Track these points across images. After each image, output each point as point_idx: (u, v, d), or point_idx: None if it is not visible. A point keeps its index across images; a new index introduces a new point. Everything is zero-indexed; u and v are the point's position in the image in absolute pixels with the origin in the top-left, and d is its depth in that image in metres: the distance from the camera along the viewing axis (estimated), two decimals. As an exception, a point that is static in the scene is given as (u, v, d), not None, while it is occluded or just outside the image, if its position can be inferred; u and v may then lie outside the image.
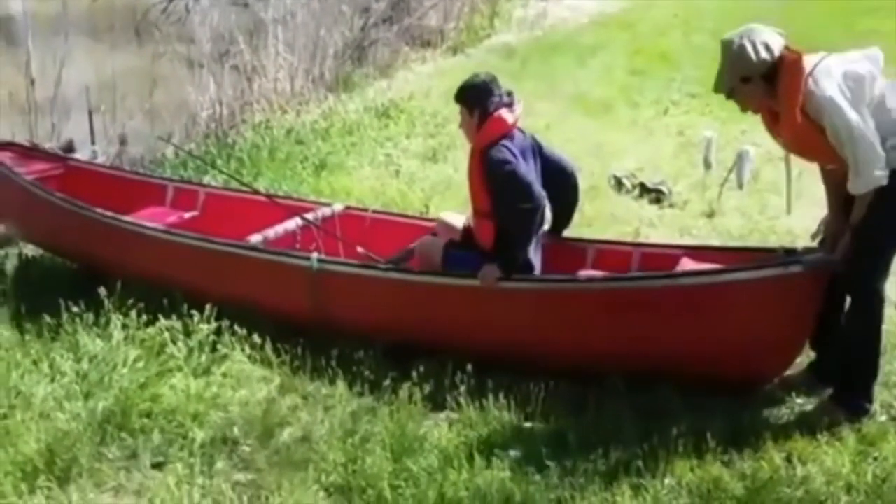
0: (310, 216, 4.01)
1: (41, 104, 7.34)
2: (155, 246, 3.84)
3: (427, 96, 7.48)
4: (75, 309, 3.87)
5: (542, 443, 3.16)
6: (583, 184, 5.75)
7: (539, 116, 7.08)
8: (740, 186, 5.37)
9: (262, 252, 3.69)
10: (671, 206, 5.51)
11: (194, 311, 3.84)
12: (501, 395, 3.41)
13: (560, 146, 6.48)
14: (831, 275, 3.10)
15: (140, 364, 3.57)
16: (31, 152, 4.58)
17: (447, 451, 3.08)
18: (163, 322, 3.82)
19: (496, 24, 10.27)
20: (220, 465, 3.07)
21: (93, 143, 7.22)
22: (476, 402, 3.37)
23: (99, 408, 3.31)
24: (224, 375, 3.59)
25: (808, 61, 3.05)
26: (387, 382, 3.50)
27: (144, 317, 3.85)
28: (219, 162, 6.19)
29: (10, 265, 4.74)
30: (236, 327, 3.75)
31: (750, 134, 6.08)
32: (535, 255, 3.51)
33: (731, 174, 5.31)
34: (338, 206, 4.32)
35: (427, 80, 8.08)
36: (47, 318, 3.88)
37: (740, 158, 5.31)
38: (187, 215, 4.21)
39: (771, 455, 3.03)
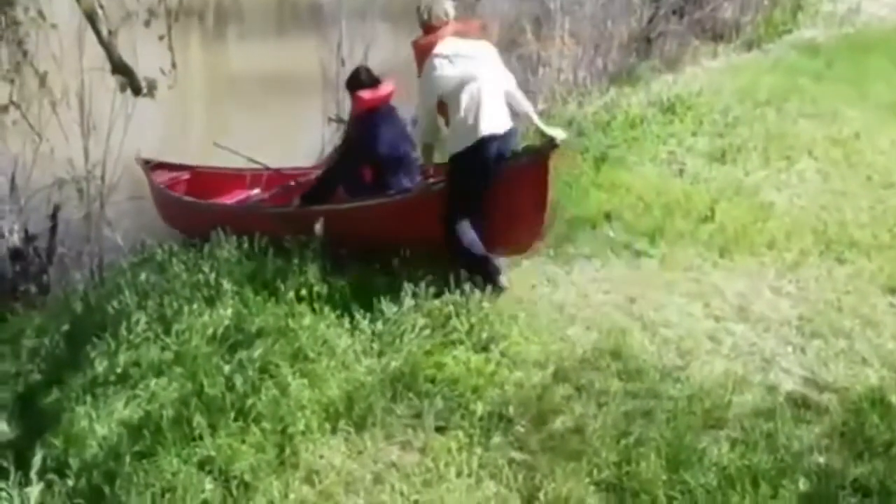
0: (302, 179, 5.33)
1: (349, 83, 8.07)
2: (220, 214, 5.33)
3: (717, 93, 7.09)
4: (372, 273, 4.22)
5: (835, 482, 2.90)
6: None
7: (846, 123, 6.43)
8: None
9: (257, 209, 5.27)
10: None
11: (476, 289, 4.04)
12: (791, 426, 3.19)
13: (870, 158, 5.94)
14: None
15: (426, 332, 3.82)
16: (171, 166, 6.30)
17: (728, 471, 2.93)
18: (448, 295, 4.05)
19: (799, 19, 9.44)
20: (496, 439, 3.19)
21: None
22: (762, 425, 3.18)
23: (391, 366, 3.59)
24: (502, 354, 3.72)
25: (441, 45, 4.07)
26: (665, 387, 3.42)
27: (432, 288, 4.11)
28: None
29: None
30: (518, 308, 3.88)
31: None
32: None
33: None
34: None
35: (718, 76, 7.65)
36: (349, 277, 4.27)
37: None
38: (254, 192, 5.77)
39: None
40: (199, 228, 4.97)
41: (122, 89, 5.49)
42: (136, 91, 5.52)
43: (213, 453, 3.06)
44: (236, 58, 12.47)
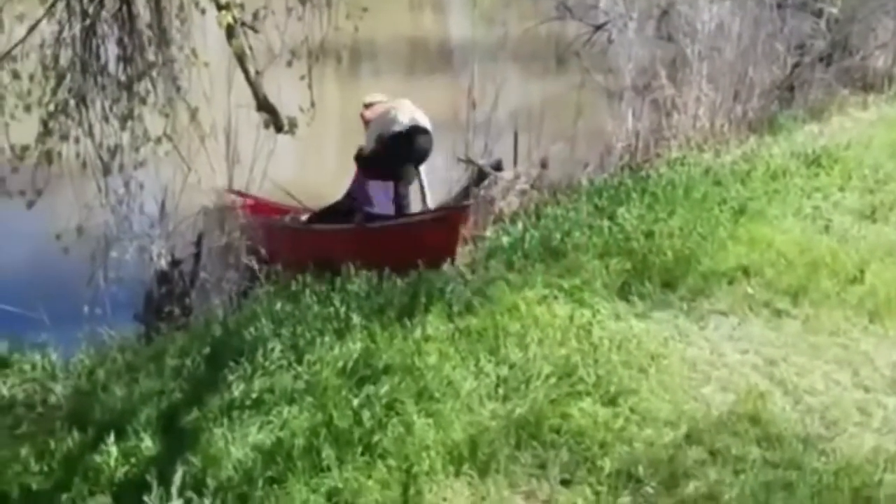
0: None
1: (478, 125, 8.20)
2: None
3: (867, 146, 6.71)
4: (498, 316, 4.20)
5: None
6: None
7: None
8: None
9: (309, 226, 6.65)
10: None
11: (604, 337, 3.95)
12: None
13: None
14: None
15: (552, 380, 3.75)
16: (242, 193, 7.19)
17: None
18: (573, 344, 3.98)
19: (959, 69, 8.87)
20: (624, 499, 3.08)
21: (515, 164, 7.83)
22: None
23: (515, 412, 3.54)
24: (631, 410, 3.60)
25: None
26: (808, 459, 3.20)
27: (558, 335, 4.05)
28: (633, 195, 6.23)
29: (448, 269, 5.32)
30: (648, 362, 3.75)
31: None
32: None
33: None
34: None
35: (868, 128, 7.25)
36: (474, 320, 4.27)
37: None
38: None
39: None
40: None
41: (266, 126, 5.82)
42: (279, 128, 5.84)
43: (340, 485, 3.11)
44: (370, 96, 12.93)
